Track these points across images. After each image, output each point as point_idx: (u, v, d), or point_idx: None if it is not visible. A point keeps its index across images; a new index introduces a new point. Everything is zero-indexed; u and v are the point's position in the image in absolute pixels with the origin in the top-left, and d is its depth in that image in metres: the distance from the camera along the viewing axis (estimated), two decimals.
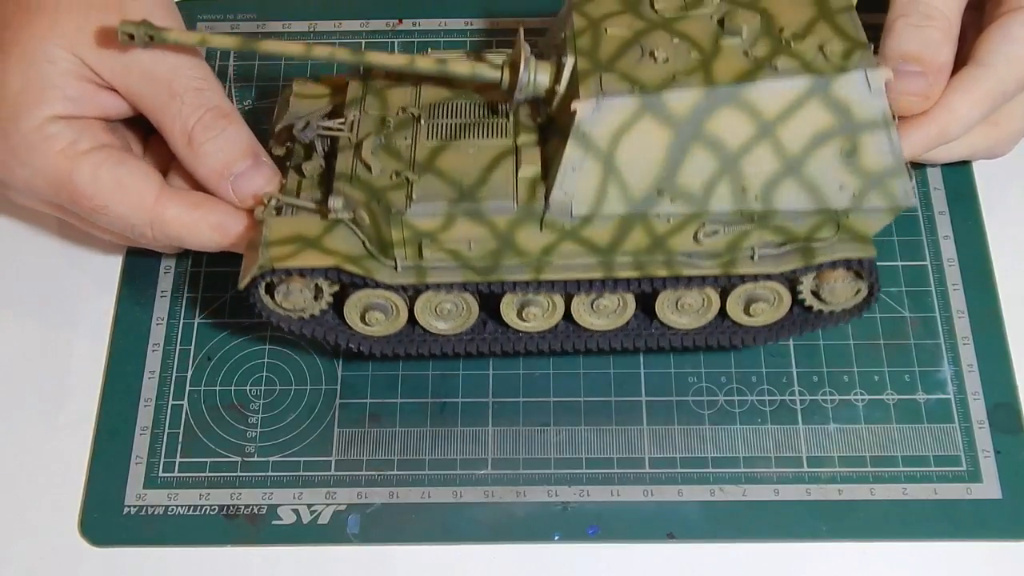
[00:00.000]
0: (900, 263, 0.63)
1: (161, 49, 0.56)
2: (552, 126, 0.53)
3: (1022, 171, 0.66)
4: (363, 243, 0.53)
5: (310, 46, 0.54)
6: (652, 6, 0.54)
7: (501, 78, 0.53)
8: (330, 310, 0.56)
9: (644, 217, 0.52)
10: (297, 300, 0.55)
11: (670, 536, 0.56)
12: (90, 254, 0.64)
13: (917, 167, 0.64)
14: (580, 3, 0.54)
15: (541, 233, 0.52)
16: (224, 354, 0.61)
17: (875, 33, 0.56)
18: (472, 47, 0.70)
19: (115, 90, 0.56)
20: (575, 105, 0.50)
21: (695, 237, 0.53)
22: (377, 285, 0.53)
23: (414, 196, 0.51)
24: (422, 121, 0.54)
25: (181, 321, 0.62)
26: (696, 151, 0.50)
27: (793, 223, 0.52)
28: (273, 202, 0.54)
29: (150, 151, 0.61)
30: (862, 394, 0.60)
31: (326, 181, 0.54)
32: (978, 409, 0.59)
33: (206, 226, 0.56)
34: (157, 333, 0.62)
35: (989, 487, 0.57)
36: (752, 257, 0.53)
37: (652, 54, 0.51)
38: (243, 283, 0.53)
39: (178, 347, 0.61)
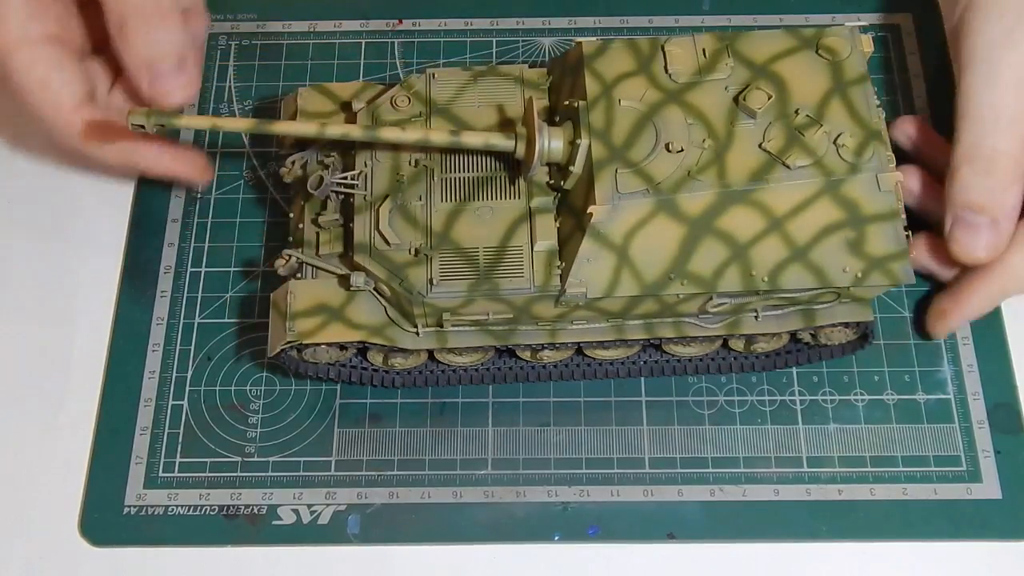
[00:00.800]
0: None
1: None
2: (566, 200, 0.53)
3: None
4: (385, 311, 0.54)
5: (323, 126, 0.53)
6: (665, 68, 0.53)
7: (515, 148, 0.52)
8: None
9: (655, 295, 0.52)
10: (323, 356, 0.57)
11: (670, 536, 0.56)
12: (90, 254, 0.64)
13: None
14: (592, 56, 0.54)
15: (556, 307, 0.53)
16: (224, 354, 0.61)
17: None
18: (472, 48, 0.70)
19: None
20: (591, 209, 0.50)
21: (702, 307, 0.54)
22: (401, 350, 0.55)
23: (434, 278, 0.52)
24: (435, 176, 0.54)
25: (181, 321, 0.62)
26: (707, 243, 0.51)
27: (796, 293, 0.53)
28: (294, 260, 0.55)
29: (120, 86, 0.62)
30: (862, 394, 0.60)
31: (345, 237, 0.55)
32: (978, 409, 0.59)
33: (115, 148, 0.59)
34: (157, 333, 0.62)
35: (989, 487, 0.57)
36: (756, 317, 0.55)
37: (667, 146, 0.51)
38: (273, 353, 0.54)
39: (178, 347, 0.61)
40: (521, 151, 0.52)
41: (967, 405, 0.59)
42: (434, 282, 0.52)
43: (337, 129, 0.53)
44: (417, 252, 0.52)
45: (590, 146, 0.51)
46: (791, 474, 0.58)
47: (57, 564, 0.56)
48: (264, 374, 0.61)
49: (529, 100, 0.52)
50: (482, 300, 0.52)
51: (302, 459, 0.58)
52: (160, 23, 0.57)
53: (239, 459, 0.59)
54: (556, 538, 0.56)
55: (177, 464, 0.59)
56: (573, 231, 0.51)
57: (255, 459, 0.58)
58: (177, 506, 0.57)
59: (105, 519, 0.57)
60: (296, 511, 0.57)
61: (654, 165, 0.51)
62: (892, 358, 0.60)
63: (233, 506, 0.57)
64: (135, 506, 0.57)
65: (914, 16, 0.70)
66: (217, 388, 0.60)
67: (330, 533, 0.57)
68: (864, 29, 0.69)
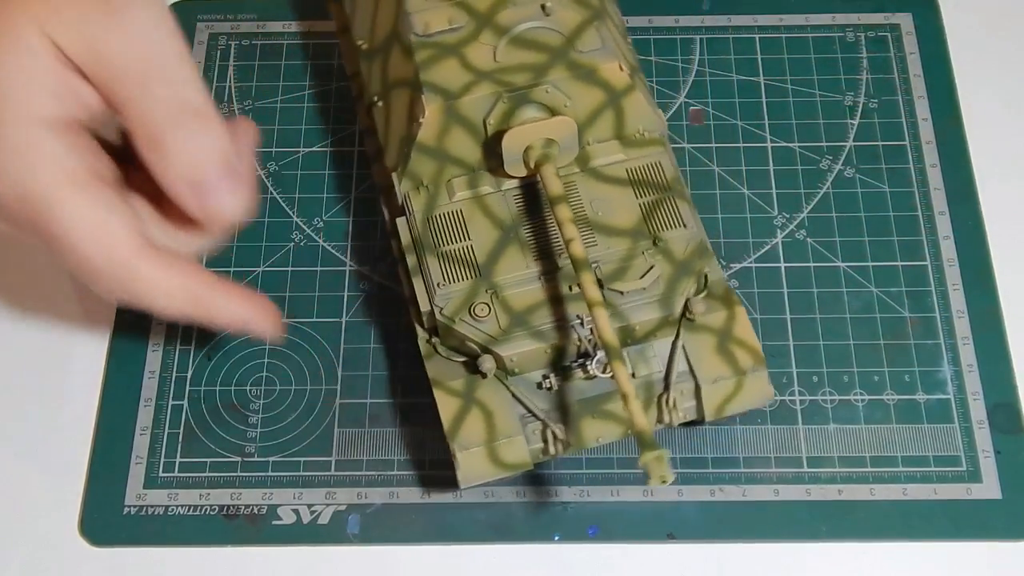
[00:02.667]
0: (900, 263, 0.63)
1: (137, 27, 0.46)
2: None
3: (1022, 171, 0.66)
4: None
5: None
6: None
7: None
8: None
9: None
10: None
11: (670, 536, 0.56)
12: None
13: (908, 182, 0.64)
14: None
15: None
16: (224, 354, 0.61)
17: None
18: None
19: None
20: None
21: None
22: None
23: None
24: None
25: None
26: None
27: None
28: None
29: (131, 185, 0.51)
30: (862, 394, 0.60)
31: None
32: (978, 409, 0.59)
33: (181, 295, 0.49)
34: (157, 333, 0.62)
35: (989, 487, 0.57)
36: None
37: None
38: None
39: (178, 347, 0.61)
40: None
41: (967, 405, 0.59)
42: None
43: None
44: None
45: None
46: (791, 474, 0.58)
47: (57, 564, 0.56)
48: (264, 374, 0.61)
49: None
50: None
51: (302, 459, 0.58)
52: (201, 128, 0.47)
53: (239, 459, 0.59)
54: (556, 538, 0.56)
55: (177, 464, 0.59)
56: None
57: (255, 459, 0.59)
58: (177, 506, 0.57)
59: (105, 519, 0.57)
60: (296, 511, 0.57)
61: None
62: (892, 358, 0.60)
63: (233, 506, 0.57)
64: (135, 506, 0.58)
65: (914, 16, 0.70)
66: (217, 388, 0.60)
67: (330, 533, 0.57)
68: (864, 29, 0.69)
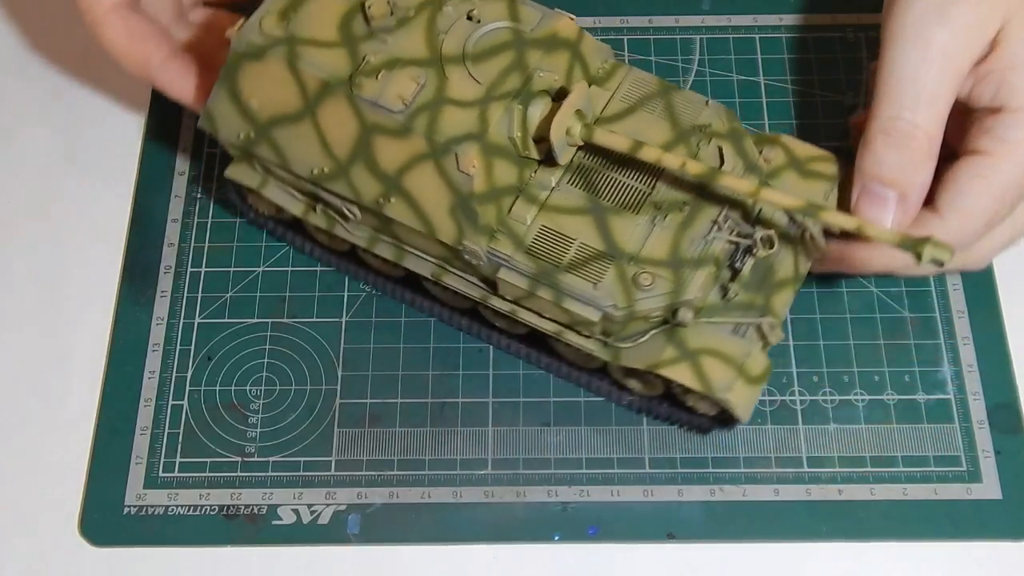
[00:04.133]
0: None
1: None
2: None
3: None
4: None
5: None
6: None
7: None
8: None
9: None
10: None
11: (670, 536, 0.56)
12: (90, 254, 0.64)
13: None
14: None
15: None
16: (224, 354, 0.61)
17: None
18: None
19: None
20: None
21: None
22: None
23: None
24: None
25: (181, 321, 0.62)
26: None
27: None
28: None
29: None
30: (862, 394, 0.60)
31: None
32: (978, 409, 0.59)
33: (131, 60, 0.60)
34: (157, 333, 0.62)
35: (989, 487, 0.57)
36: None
37: None
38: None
39: (178, 347, 0.61)
40: None
41: (967, 405, 0.59)
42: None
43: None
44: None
45: None
46: (791, 474, 0.58)
47: (57, 564, 0.56)
48: (264, 374, 0.61)
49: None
50: None
51: (302, 459, 0.58)
52: None
53: (239, 459, 0.59)
54: (556, 538, 0.57)
55: (177, 464, 0.59)
56: None
57: (255, 459, 0.59)
58: (177, 506, 0.57)
59: (105, 519, 0.57)
60: (296, 511, 0.57)
61: None
62: (892, 358, 0.60)
63: (233, 506, 0.57)
64: (135, 506, 0.58)
65: None
66: (217, 388, 0.60)
67: (330, 533, 0.57)
68: (864, 29, 0.69)
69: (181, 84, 0.60)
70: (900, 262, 0.56)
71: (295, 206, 0.58)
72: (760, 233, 0.53)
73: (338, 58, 0.52)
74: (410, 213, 0.53)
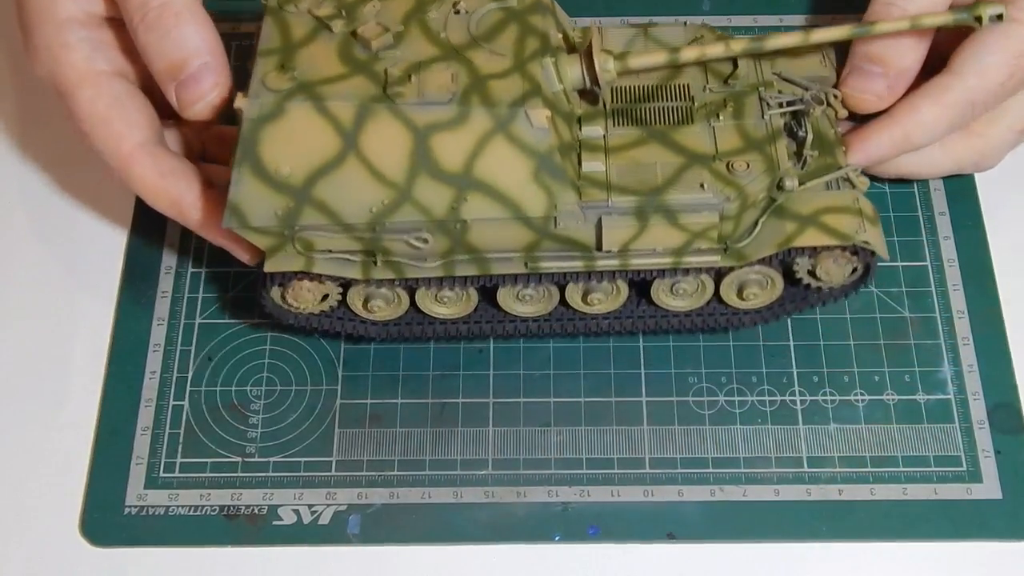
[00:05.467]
0: (900, 263, 0.63)
1: None
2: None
3: (1022, 171, 0.66)
4: None
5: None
6: None
7: None
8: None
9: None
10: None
11: (670, 536, 0.56)
12: (90, 254, 0.64)
13: (907, 183, 0.64)
14: None
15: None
16: (224, 354, 0.61)
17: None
18: None
19: None
20: None
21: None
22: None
23: None
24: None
25: (182, 321, 0.62)
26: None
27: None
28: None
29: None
30: (862, 394, 0.60)
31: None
32: (978, 409, 0.59)
33: (165, 199, 0.56)
34: (158, 333, 0.62)
35: (989, 487, 0.57)
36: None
37: None
38: None
39: (179, 347, 0.62)
40: None
41: (967, 405, 0.59)
42: None
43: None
44: None
45: None
46: (791, 474, 0.58)
47: (57, 564, 0.56)
48: (264, 374, 0.61)
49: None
50: None
51: (302, 459, 0.58)
52: (173, 27, 0.54)
53: (239, 459, 0.59)
54: (556, 538, 0.57)
55: (178, 464, 0.59)
56: None
57: (255, 459, 0.59)
58: (177, 506, 0.57)
59: (105, 519, 0.57)
60: (296, 511, 0.57)
61: None
62: (892, 358, 0.60)
63: (233, 506, 0.57)
64: (135, 506, 0.58)
65: None
66: (218, 388, 0.60)
67: (330, 533, 0.57)
68: None
69: (216, 223, 0.54)
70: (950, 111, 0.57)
71: (352, 270, 0.54)
72: (807, 94, 0.56)
73: (360, 84, 0.51)
74: (490, 203, 0.51)
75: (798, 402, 0.59)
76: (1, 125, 0.69)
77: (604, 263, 0.55)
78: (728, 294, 0.57)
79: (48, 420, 0.60)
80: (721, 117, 0.54)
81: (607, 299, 0.58)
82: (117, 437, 0.59)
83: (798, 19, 0.70)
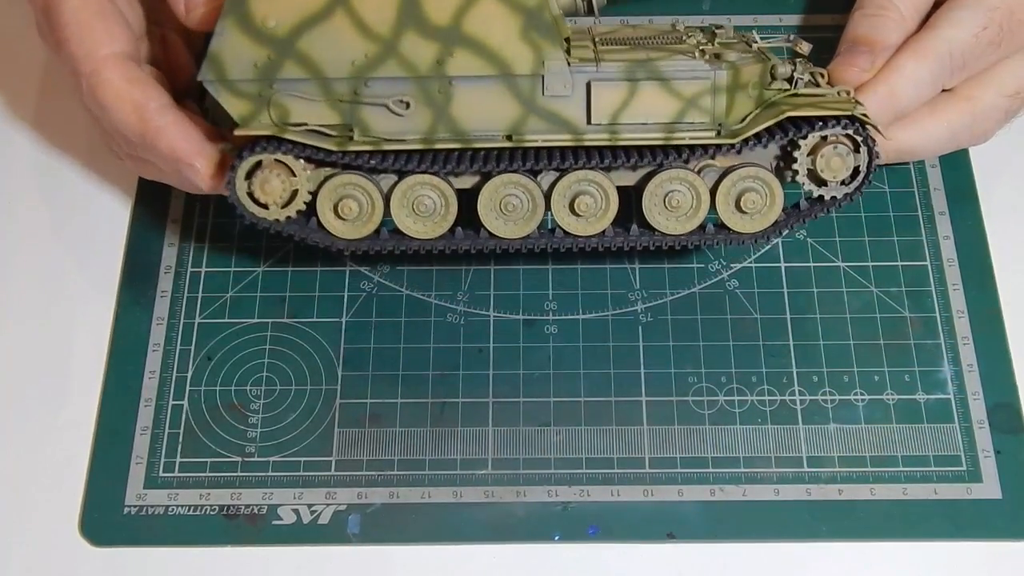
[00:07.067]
0: (900, 263, 0.63)
1: None
2: None
3: (1022, 171, 0.66)
4: None
5: None
6: None
7: None
8: None
9: None
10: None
11: (670, 536, 0.56)
12: (90, 254, 0.64)
13: (907, 182, 0.64)
14: None
15: None
16: (224, 354, 0.61)
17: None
18: None
19: None
20: None
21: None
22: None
23: None
24: None
25: (181, 321, 0.62)
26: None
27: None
28: None
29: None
30: (862, 394, 0.60)
31: None
32: (978, 409, 0.59)
33: (129, 102, 0.55)
34: (157, 333, 0.62)
35: (989, 487, 0.57)
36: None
37: None
38: None
39: (178, 347, 0.61)
40: None
41: (967, 405, 0.59)
42: None
43: None
44: None
45: None
46: (791, 474, 0.58)
47: (57, 564, 0.56)
48: (264, 374, 0.61)
49: None
50: None
51: (302, 459, 0.58)
52: None
53: (239, 459, 0.59)
54: (556, 538, 0.57)
55: (177, 464, 0.59)
56: None
57: (255, 459, 0.59)
58: (177, 506, 0.57)
59: (105, 519, 0.57)
60: (296, 511, 0.57)
61: None
62: (892, 358, 0.60)
63: (233, 506, 0.57)
64: (135, 506, 0.57)
65: None
66: (217, 388, 0.60)
67: (330, 533, 0.57)
68: None
69: (178, 131, 0.56)
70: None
71: (327, 142, 0.53)
72: (793, 35, 0.57)
73: None
74: (478, 60, 0.51)
75: (798, 402, 0.59)
76: (2, 128, 0.69)
77: (593, 137, 0.54)
78: (725, 209, 0.56)
79: (48, 420, 0.60)
80: (710, 44, 0.55)
81: (595, 209, 0.56)
82: (117, 437, 0.59)
83: (798, 19, 0.70)
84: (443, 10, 0.51)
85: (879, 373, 0.60)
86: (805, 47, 0.56)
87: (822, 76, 0.58)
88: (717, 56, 0.53)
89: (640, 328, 0.62)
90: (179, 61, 0.62)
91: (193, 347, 0.61)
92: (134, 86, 0.56)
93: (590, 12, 0.54)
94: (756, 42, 0.56)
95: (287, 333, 0.61)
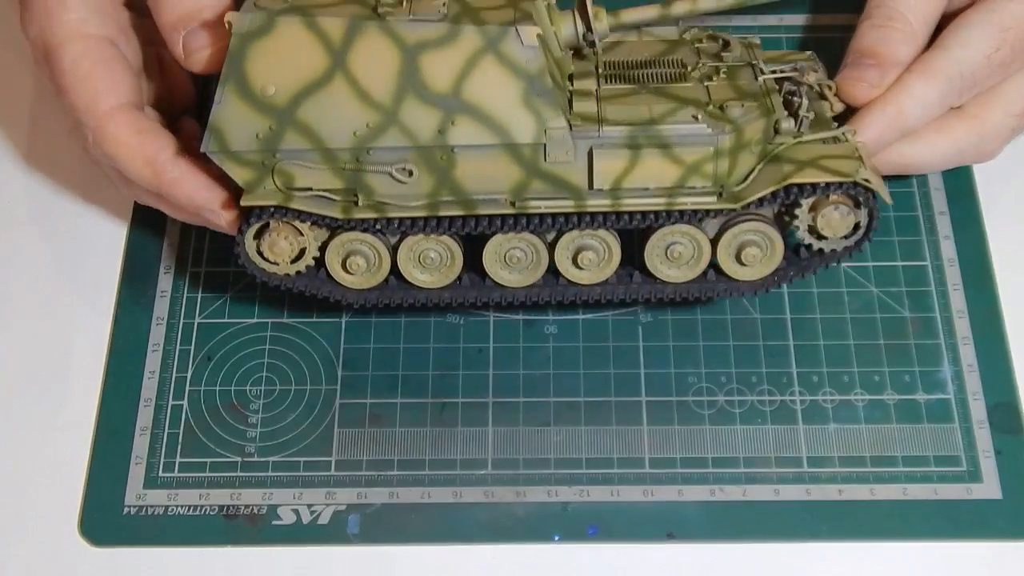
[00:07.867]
0: (900, 263, 0.63)
1: None
2: None
3: (1022, 171, 0.66)
4: None
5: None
6: None
7: None
8: None
9: None
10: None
11: (670, 536, 0.56)
12: (89, 254, 0.64)
13: (907, 182, 0.64)
14: None
15: None
16: (224, 354, 0.61)
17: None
18: None
19: None
20: None
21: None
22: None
23: None
24: None
25: (181, 321, 0.62)
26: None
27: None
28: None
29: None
30: (862, 394, 0.60)
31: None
32: (978, 409, 0.59)
33: (140, 156, 0.55)
34: (157, 333, 0.62)
35: (989, 487, 0.57)
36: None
37: None
38: None
39: (178, 347, 0.61)
40: None
41: (967, 405, 0.59)
42: None
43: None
44: None
45: None
46: (791, 474, 0.58)
47: (57, 564, 0.56)
48: (264, 374, 0.61)
49: None
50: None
51: (302, 459, 0.58)
52: None
53: (239, 459, 0.59)
54: (556, 538, 0.56)
55: (177, 464, 0.59)
56: None
57: (255, 459, 0.59)
58: (177, 506, 0.57)
59: (105, 519, 0.57)
60: (296, 511, 0.57)
61: None
62: (892, 358, 0.60)
63: (233, 506, 0.57)
64: (135, 506, 0.57)
65: None
66: (217, 388, 0.60)
67: (330, 533, 0.57)
68: None
69: (194, 181, 0.55)
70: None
71: (332, 209, 0.53)
72: (800, 62, 0.56)
73: (353, 9, 0.51)
74: (479, 128, 0.51)
75: (798, 402, 0.59)
76: (1, 126, 0.69)
77: (595, 203, 0.53)
78: (725, 259, 0.56)
79: (48, 420, 0.60)
80: (715, 80, 0.54)
81: (598, 261, 0.56)
82: (116, 437, 0.59)
83: (798, 19, 0.70)
84: (442, 76, 0.50)
85: (879, 373, 0.60)
86: (812, 77, 0.56)
87: (830, 88, 0.58)
88: (722, 108, 0.52)
89: (640, 328, 0.62)
90: (176, 80, 0.62)
91: (193, 347, 0.61)
92: (144, 138, 0.55)
93: (592, 46, 0.54)
94: (763, 72, 0.55)
95: (287, 333, 0.61)
